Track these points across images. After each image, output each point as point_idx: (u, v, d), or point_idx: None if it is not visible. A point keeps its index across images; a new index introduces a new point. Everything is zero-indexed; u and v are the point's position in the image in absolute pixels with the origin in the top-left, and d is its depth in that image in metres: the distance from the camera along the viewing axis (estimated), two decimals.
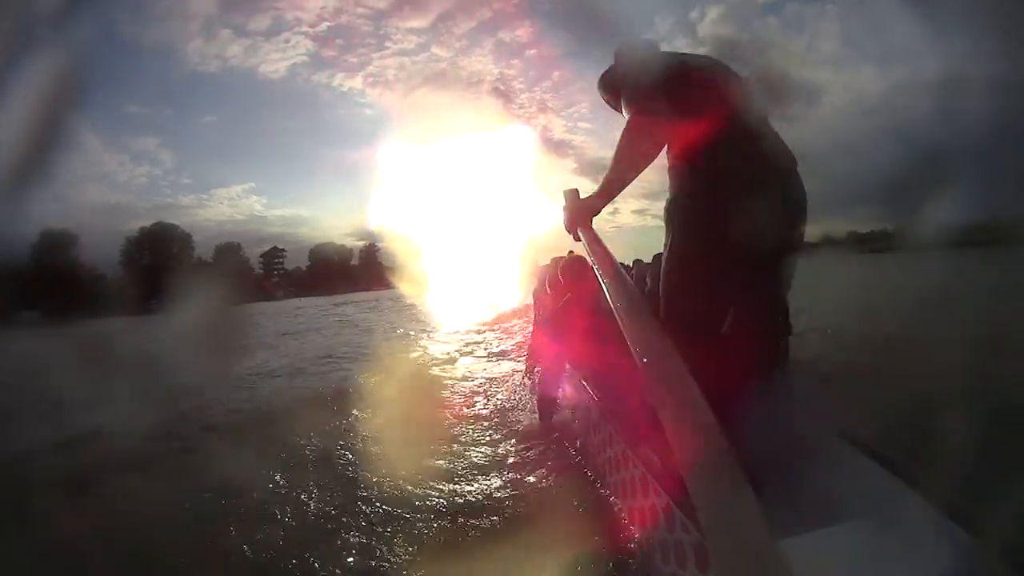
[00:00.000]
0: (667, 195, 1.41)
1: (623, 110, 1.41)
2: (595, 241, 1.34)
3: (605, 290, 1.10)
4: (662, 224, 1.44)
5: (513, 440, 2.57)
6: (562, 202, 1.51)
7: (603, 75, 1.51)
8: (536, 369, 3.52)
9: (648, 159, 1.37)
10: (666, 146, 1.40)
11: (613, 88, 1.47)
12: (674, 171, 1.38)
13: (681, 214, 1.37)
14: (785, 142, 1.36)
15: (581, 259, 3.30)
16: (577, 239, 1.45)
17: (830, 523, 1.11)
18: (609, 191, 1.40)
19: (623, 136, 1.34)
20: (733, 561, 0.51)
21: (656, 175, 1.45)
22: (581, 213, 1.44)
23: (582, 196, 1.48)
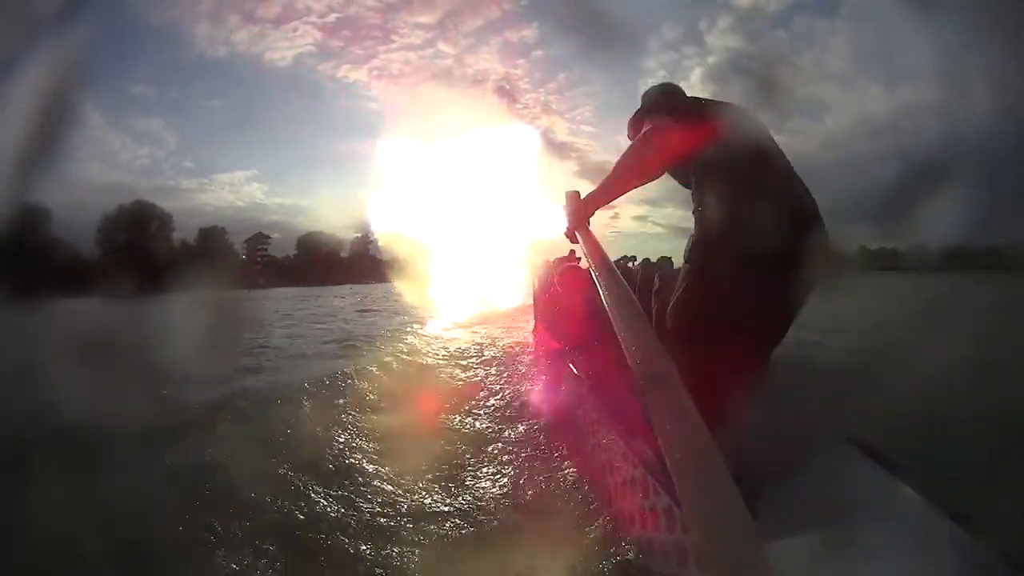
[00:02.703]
0: (692, 234, 1.44)
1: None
2: (591, 243, 1.36)
3: (601, 292, 1.11)
4: (661, 231, 1.48)
5: (511, 439, 2.57)
6: (563, 202, 1.53)
7: (632, 117, 1.58)
8: (539, 369, 3.52)
9: (654, 168, 1.40)
10: (691, 194, 1.45)
11: (639, 125, 1.52)
12: (698, 215, 1.42)
13: (701, 255, 1.40)
14: (806, 187, 1.38)
15: (576, 267, 3.34)
16: (575, 241, 1.48)
17: (830, 523, 1.11)
18: (607, 194, 1.43)
19: (635, 143, 1.38)
20: (717, 563, 0.52)
21: (658, 182, 1.48)
22: (579, 215, 1.47)
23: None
